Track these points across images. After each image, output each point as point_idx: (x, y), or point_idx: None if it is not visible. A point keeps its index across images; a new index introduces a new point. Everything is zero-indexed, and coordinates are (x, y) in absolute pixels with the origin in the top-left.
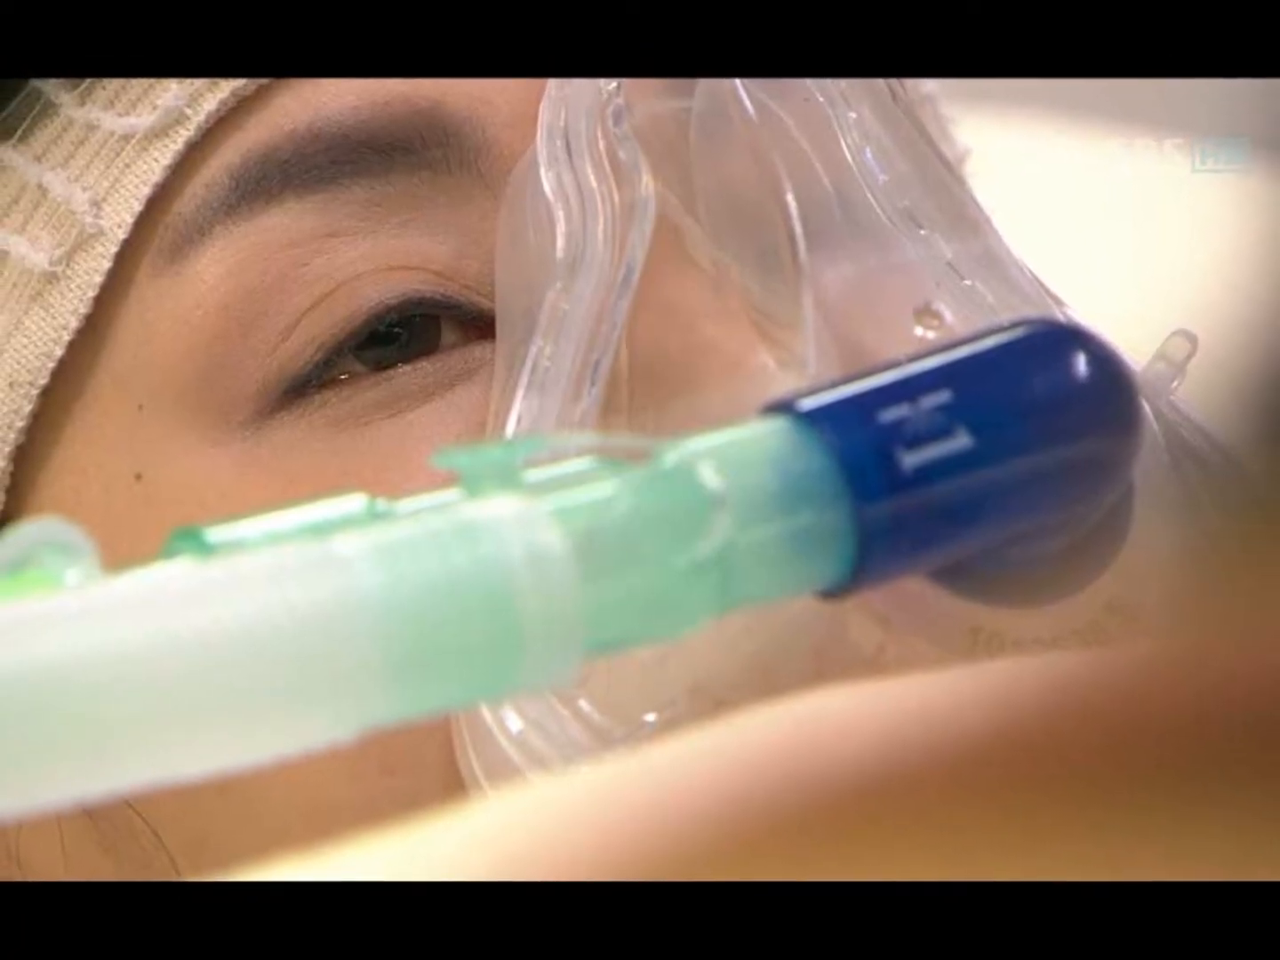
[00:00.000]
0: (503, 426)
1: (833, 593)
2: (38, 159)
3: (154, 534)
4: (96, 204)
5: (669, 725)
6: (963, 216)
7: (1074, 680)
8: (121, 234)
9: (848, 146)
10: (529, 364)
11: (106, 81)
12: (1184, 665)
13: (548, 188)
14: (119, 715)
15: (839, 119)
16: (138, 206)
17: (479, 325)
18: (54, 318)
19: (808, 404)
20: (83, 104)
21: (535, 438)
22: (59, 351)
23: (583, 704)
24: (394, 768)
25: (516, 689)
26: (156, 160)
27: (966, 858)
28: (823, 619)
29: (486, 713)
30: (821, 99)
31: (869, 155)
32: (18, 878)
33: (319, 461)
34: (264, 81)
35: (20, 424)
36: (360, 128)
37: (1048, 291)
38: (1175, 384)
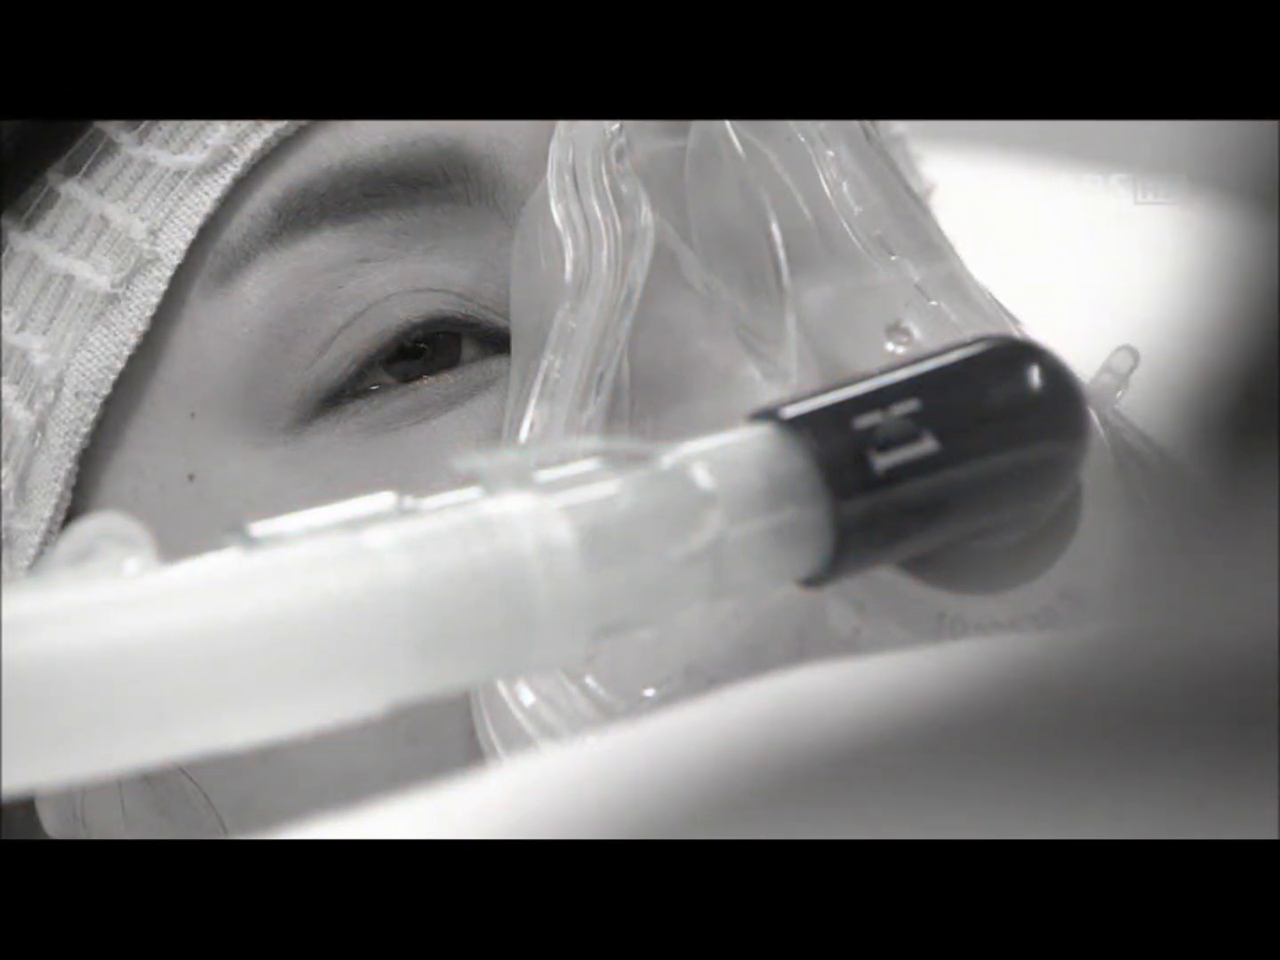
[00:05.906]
0: (517, 432)
1: (813, 581)
2: (100, 192)
3: (204, 528)
4: (153, 233)
5: (666, 700)
6: (929, 243)
7: (1029, 659)
8: (175, 259)
9: (826, 181)
10: (541, 376)
11: (162, 123)
12: (1127, 645)
13: (557, 218)
14: (173, 691)
15: (818, 156)
16: (190, 235)
17: (496, 341)
18: (115, 334)
19: (790, 411)
20: (141, 143)
21: (546, 442)
22: (119, 365)
23: (589, 680)
24: (419, 737)
25: (529, 667)
26: (207, 194)
27: (931, 817)
28: (804, 605)
29: (502, 688)
30: (803, 139)
31: (845, 189)
32: (83, 836)
33: (352, 463)
34: (303, 123)
35: (85, 430)
36: (389, 164)
37: (1005, 311)
38: (1120, 394)
